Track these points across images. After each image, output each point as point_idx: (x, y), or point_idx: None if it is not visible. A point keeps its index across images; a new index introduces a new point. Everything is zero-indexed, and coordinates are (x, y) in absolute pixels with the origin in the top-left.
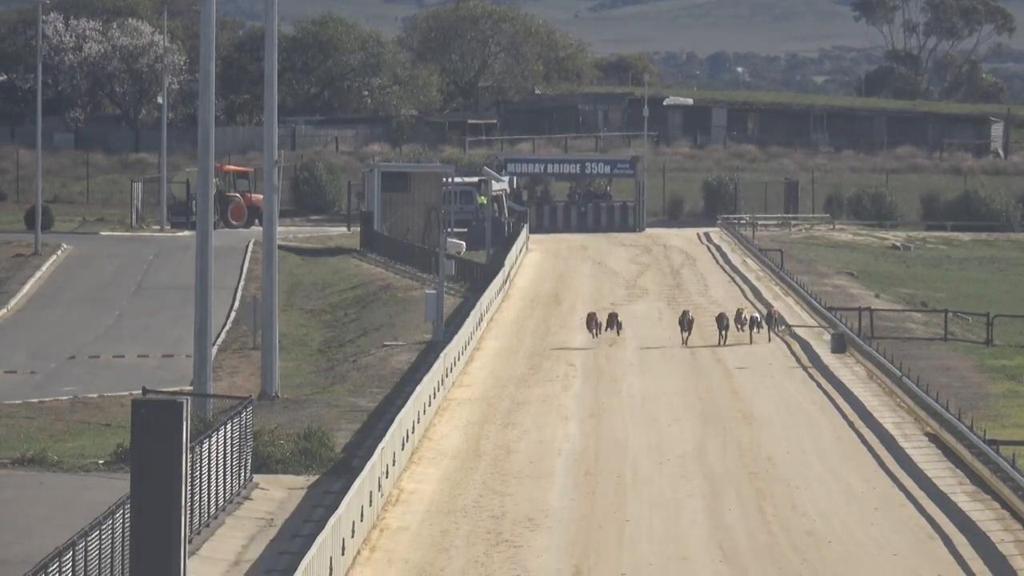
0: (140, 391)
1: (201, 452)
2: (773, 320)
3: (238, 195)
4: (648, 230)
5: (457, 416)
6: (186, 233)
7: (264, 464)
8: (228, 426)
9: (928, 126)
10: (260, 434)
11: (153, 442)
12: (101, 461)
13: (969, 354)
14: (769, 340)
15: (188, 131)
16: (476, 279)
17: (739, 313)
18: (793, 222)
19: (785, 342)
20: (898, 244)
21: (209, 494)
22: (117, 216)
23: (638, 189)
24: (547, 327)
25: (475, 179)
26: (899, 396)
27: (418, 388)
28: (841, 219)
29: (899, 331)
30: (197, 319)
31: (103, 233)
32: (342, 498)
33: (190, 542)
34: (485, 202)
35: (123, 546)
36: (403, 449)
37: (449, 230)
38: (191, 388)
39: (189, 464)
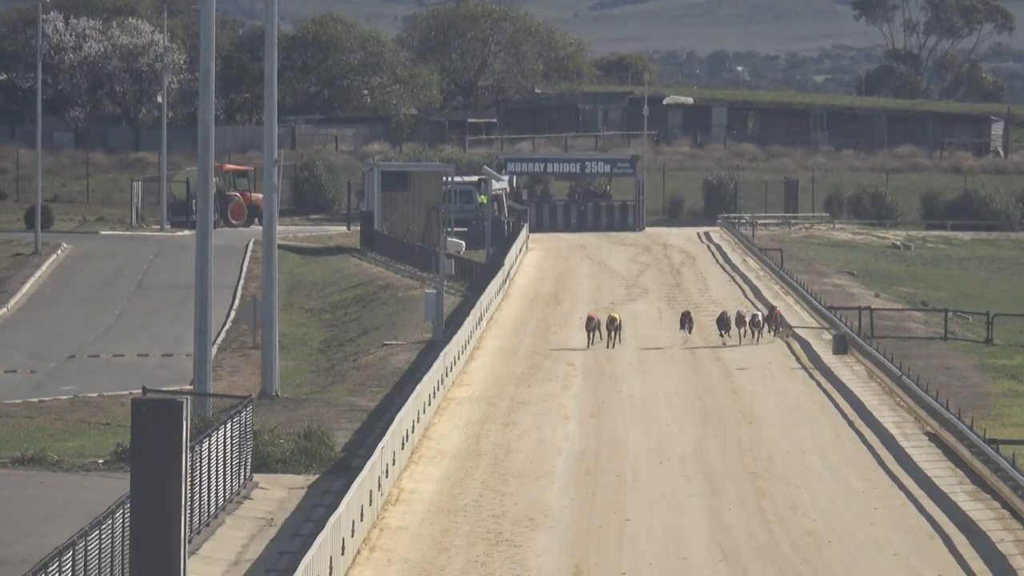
0: (140, 390)
1: (201, 451)
2: (775, 321)
3: (238, 194)
4: (648, 229)
5: (457, 415)
6: (186, 232)
7: (264, 463)
8: (228, 425)
9: (928, 125)
10: (260, 433)
11: (153, 441)
12: (101, 461)
13: (969, 353)
14: (770, 338)
15: (188, 130)
16: (476, 278)
17: (739, 313)
18: (793, 221)
19: (785, 342)
20: (898, 243)
21: (209, 493)
22: (117, 215)
23: (638, 188)
24: (547, 326)
25: (475, 178)
26: (899, 395)
27: (418, 387)
28: (841, 218)
29: (899, 330)
30: (197, 318)
31: (103, 232)
32: (342, 497)
33: (190, 541)
34: (485, 201)
35: (123, 546)
36: (403, 448)
37: (449, 229)
38: (191, 387)
39: (189, 463)
